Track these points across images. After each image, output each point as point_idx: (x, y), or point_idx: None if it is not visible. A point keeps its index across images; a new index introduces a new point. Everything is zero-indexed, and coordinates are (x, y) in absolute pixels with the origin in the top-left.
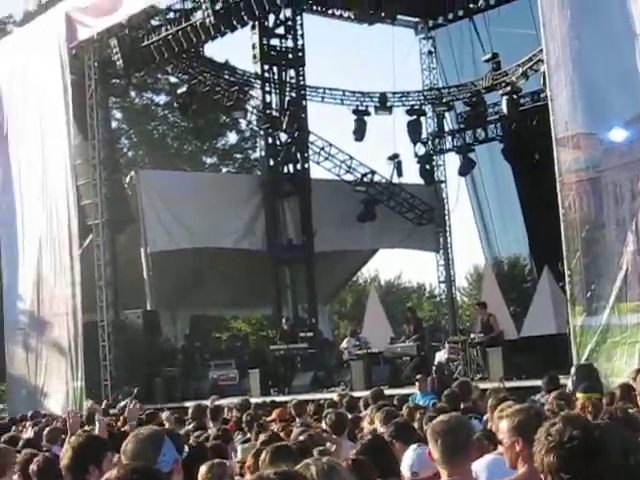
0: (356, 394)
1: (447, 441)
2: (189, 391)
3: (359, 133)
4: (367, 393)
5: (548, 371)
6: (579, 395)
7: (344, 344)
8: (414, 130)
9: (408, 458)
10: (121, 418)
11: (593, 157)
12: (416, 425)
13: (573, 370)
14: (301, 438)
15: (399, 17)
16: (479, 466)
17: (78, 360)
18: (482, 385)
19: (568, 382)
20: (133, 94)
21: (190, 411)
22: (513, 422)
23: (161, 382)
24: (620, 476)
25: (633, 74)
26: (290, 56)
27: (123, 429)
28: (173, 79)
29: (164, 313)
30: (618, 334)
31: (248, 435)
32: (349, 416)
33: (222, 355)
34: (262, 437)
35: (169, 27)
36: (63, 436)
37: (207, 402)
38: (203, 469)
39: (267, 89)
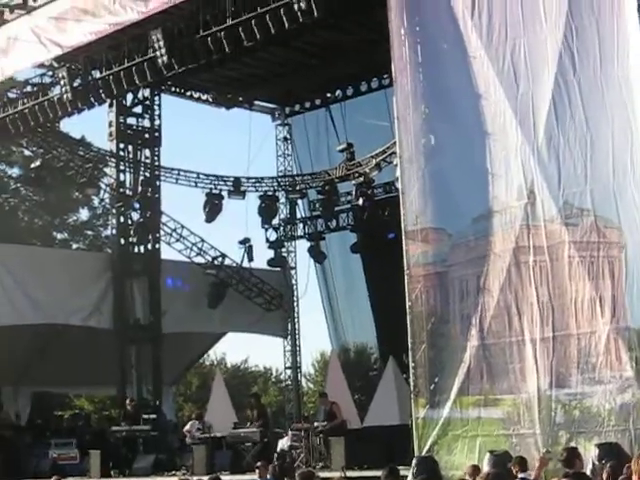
0: (196, 479)
1: None
2: (28, 469)
3: (210, 216)
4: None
5: (389, 462)
6: None
7: (187, 427)
8: (266, 216)
9: None
10: None
11: (441, 252)
12: None
13: (414, 462)
14: None
15: (256, 102)
16: None
17: None
18: (324, 474)
19: (409, 474)
20: None
21: None
22: None
23: (1, 459)
24: None
25: (483, 172)
26: (146, 136)
27: None
28: (27, 152)
29: (6, 388)
30: (459, 427)
31: None
32: None
33: (63, 434)
34: None
35: (26, 100)
36: None
37: None
38: None
39: (121, 167)
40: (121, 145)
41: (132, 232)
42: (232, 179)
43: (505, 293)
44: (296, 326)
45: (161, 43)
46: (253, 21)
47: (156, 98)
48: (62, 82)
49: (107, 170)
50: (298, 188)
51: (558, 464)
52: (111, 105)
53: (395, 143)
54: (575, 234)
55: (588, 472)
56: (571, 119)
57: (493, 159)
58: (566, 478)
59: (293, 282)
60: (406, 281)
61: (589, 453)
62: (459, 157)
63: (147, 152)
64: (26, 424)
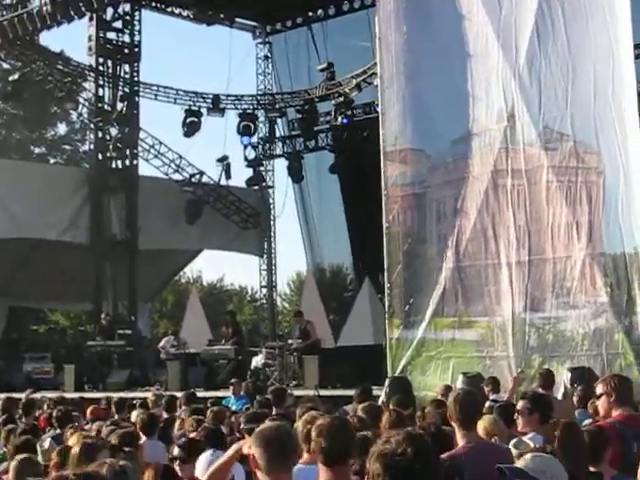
0: (170, 394)
1: (280, 448)
2: (2, 383)
3: (189, 131)
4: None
5: (362, 382)
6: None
7: (162, 343)
8: (245, 133)
9: (202, 462)
10: None
11: (419, 173)
12: (225, 429)
13: (387, 382)
14: (114, 437)
15: (237, 20)
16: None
17: None
18: (297, 392)
19: (381, 394)
20: None
21: (0, 403)
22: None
23: None
24: None
25: (463, 94)
26: (126, 51)
27: None
28: (5, 65)
29: None
30: (433, 348)
31: (58, 431)
32: (164, 416)
33: (39, 348)
34: (74, 436)
35: (4, 13)
36: None
37: (21, 395)
38: (12, 464)
39: (100, 82)
40: (100, 60)
41: (110, 147)
42: (211, 96)
43: (482, 216)
44: (272, 245)
45: None
46: None
47: (136, 13)
48: None
49: (86, 85)
50: (278, 107)
51: (530, 385)
52: (91, 19)
53: (376, 64)
54: (554, 158)
55: (560, 395)
56: (553, 44)
57: (474, 81)
58: (524, 399)
59: (270, 201)
60: (383, 202)
61: (561, 377)
62: (440, 78)
63: (126, 67)
64: (1, 338)
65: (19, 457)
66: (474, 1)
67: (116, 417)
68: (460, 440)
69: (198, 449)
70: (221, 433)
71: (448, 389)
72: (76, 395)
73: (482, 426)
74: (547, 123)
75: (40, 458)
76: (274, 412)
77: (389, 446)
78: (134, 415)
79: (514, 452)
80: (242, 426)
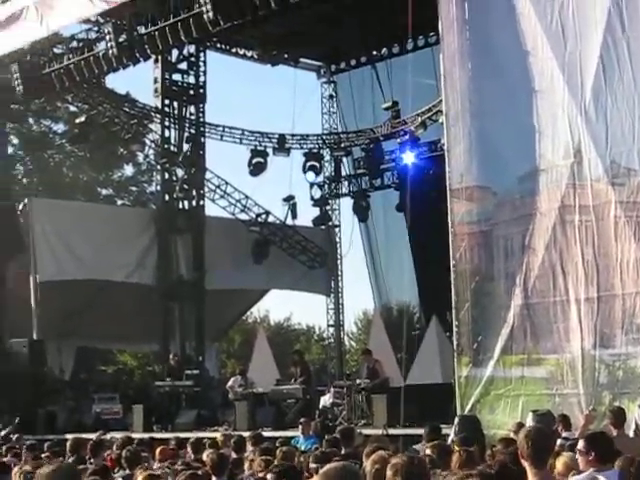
0: (238, 434)
1: None
2: (71, 424)
3: (255, 171)
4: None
5: (431, 420)
6: (456, 447)
7: (230, 383)
8: (311, 173)
9: None
10: (3, 448)
11: (486, 210)
12: None
13: (456, 420)
14: (182, 478)
15: (302, 60)
16: None
17: None
18: (365, 431)
19: (451, 432)
20: (31, 120)
21: (68, 444)
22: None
23: (43, 413)
24: None
25: (529, 130)
26: (191, 92)
27: (3, 460)
28: (72, 108)
29: (50, 343)
30: (502, 386)
31: (127, 472)
32: (232, 456)
33: (107, 388)
34: (141, 476)
35: (71, 56)
36: None
37: (91, 436)
38: None
39: (166, 124)
40: (166, 101)
41: (177, 188)
42: (277, 136)
43: (550, 252)
44: (339, 284)
45: None
46: None
47: (201, 54)
48: (107, 37)
49: (152, 126)
50: (343, 145)
51: (601, 423)
52: (156, 61)
53: (441, 101)
54: (622, 194)
55: (631, 432)
56: (619, 78)
57: (540, 117)
58: (583, 439)
59: (337, 240)
60: (450, 239)
61: (632, 414)
62: (505, 115)
63: (192, 108)
64: (70, 379)
65: None
66: (539, 37)
67: (192, 457)
68: (532, 478)
69: None
70: (299, 472)
71: (520, 426)
72: (145, 435)
73: (562, 461)
74: (614, 158)
75: None
76: (343, 452)
77: None
78: (205, 455)
79: None
80: (311, 465)
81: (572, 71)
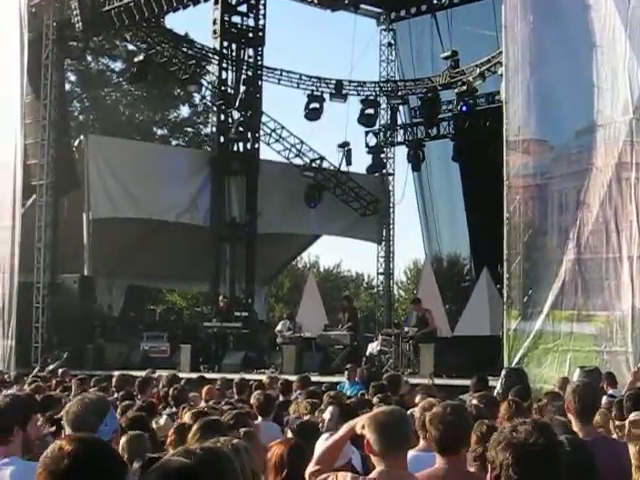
0: (284, 377)
1: (393, 433)
2: (119, 360)
3: (311, 116)
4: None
5: (478, 372)
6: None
7: (278, 327)
8: (367, 120)
9: (319, 449)
10: (53, 381)
11: (542, 164)
12: None
13: (503, 373)
14: (228, 417)
15: (362, 6)
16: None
17: (11, 319)
18: (412, 380)
19: (497, 384)
20: (89, 58)
21: (114, 380)
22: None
23: (92, 349)
24: None
25: (588, 84)
26: (250, 35)
27: (49, 393)
28: (131, 47)
29: (101, 280)
30: (550, 341)
31: (174, 409)
32: (280, 399)
33: (155, 327)
34: (188, 413)
35: None
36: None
37: (139, 373)
38: (122, 440)
39: (224, 65)
40: (224, 43)
41: (232, 131)
42: (334, 81)
43: (605, 209)
44: (390, 232)
45: None
46: None
47: None
48: None
49: (209, 68)
50: (400, 94)
51: None
52: (216, 2)
53: (501, 53)
54: None
55: None
56: None
57: (599, 72)
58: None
59: (390, 188)
60: (505, 192)
61: None
62: (565, 69)
63: (250, 51)
64: (119, 316)
65: (130, 433)
66: None
67: (236, 398)
68: (578, 432)
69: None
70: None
71: (565, 381)
72: (193, 375)
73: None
74: None
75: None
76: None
77: (519, 435)
78: (252, 396)
79: None
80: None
81: (635, 26)
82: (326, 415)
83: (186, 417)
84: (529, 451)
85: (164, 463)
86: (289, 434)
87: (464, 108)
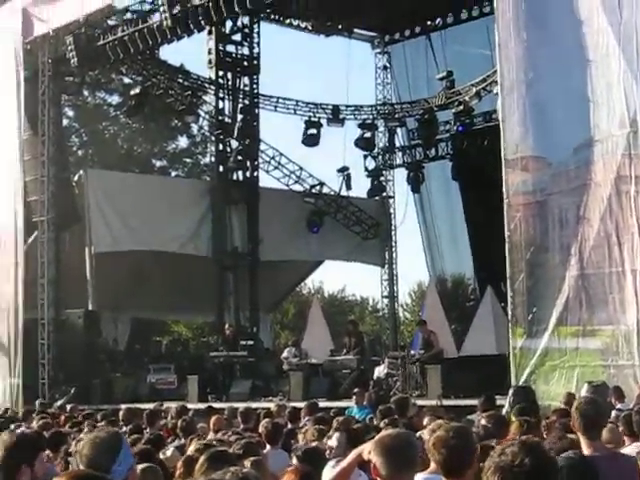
0: (292, 404)
1: (399, 456)
2: (127, 394)
3: (309, 142)
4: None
5: (485, 391)
6: (514, 417)
7: (284, 354)
8: (365, 144)
9: (326, 475)
10: (61, 417)
11: (541, 180)
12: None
13: (511, 391)
14: (236, 447)
15: (356, 31)
16: None
17: (17, 357)
18: (420, 402)
19: (505, 403)
20: (86, 93)
21: (121, 413)
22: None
23: (99, 383)
24: None
25: (584, 100)
26: (245, 63)
27: (57, 430)
28: (127, 80)
29: (105, 314)
30: (557, 358)
31: (182, 441)
32: (289, 426)
33: (162, 359)
34: (194, 444)
35: (126, 28)
36: None
37: (146, 406)
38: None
39: (220, 95)
40: (220, 73)
41: (231, 159)
42: (331, 107)
43: (605, 223)
44: (393, 255)
45: None
46: None
47: (255, 26)
48: (161, 9)
49: (206, 98)
50: (397, 116)
51: None
52: (210, 32)
53: (496, 72)
54: None
55: None
56: None
57: (594, 87)
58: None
59: (391, 211)
60: (505, 210)
61: None
62: (560, 85)
63: (246, 80)
64: (125, 349)
65: (142, 466)
66: (594, 6)
67: (242, 427)
68: (585, 449)
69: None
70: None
71: (571, 397)
72: (202, 405)
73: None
74: None
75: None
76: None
77: (505, 458)
78: (260, 425)
79: None
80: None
81: (628, 40)
82: (332, 442)
83: (191, 449)
84: (516, 472)
85: None
86: (294, 460)
87: (460, 128)
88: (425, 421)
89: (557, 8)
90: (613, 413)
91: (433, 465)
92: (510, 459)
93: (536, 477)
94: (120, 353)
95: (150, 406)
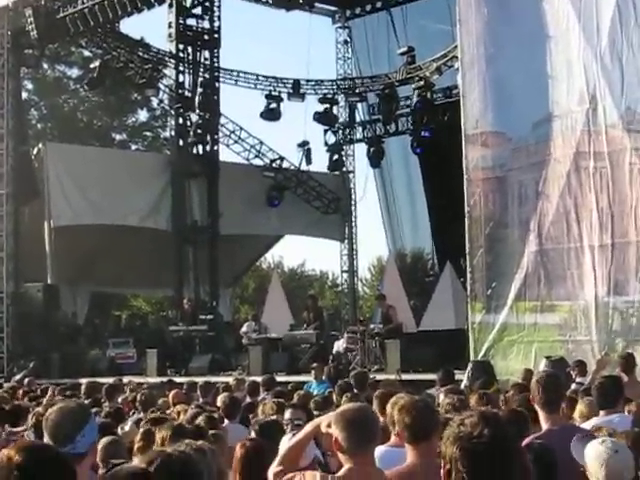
0: (251, 379)
1: (362, 430)
2: (85, 368)
3: (270, 117)
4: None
5: (444, 366)
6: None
7: (244, 328)
8: (325, 119)
9: (283, 448)
10: (19, 391)
11: (501, 156)
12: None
13: (469, 366)
14: (197, 420)
15: (316, 5)
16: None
17: None
18: (379, 376)
19: (464, 377)
20: (45, 66)
21: (83, 388)
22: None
23: (58, 357)
24: None
25: (543, 76)
26: (206, 37)
27: (17, 403)
28: (87, 53)
29: (65, 288)
30: (515, 333)
31: (141, 415)
32: (247, 400)
33: (121, 333)
34: (150, 417)
35: (86, 0)
36: None
37: (106, 380)
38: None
39: (181, 69)
40: (180, 46)
41: (191, 133)
42: (291, 81)
43: (564, 199)
44: (353, 230)
45: None
46: None
47: None
48: None
49: (166, 71)
50: (358, 91)
51: (613, 370)
52: (170, 6)
53: (456, 47)
54: (637, 141)
55: None
56: (635, 24)
57: (554, 63)
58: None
59: (351, 186)
60: (465, 185)
61: None
62: (520, 61)
63: (206, 53)
64: (84, 324)
65: (106, 439)
66: None
67: (201, 401)
68: (544, 423)
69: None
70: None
71: (529, 373)
72: (160, 379)
73: (579, 409)
74: (629, 105)
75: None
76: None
77: (464, 429)
78: (219, 399)
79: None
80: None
81: (588, 16)
82: (286, 415)
83: (147, 424)
84: (475, 443)
85: (117, 470)
86: (252, 434)
87: (418, 105)
88: (376, 394)
89: None
90: (573, 386)
91: (394, 438)
92: (469, 430)
93: (494, 448)
94: (79, 327)
95: (110, 380)
